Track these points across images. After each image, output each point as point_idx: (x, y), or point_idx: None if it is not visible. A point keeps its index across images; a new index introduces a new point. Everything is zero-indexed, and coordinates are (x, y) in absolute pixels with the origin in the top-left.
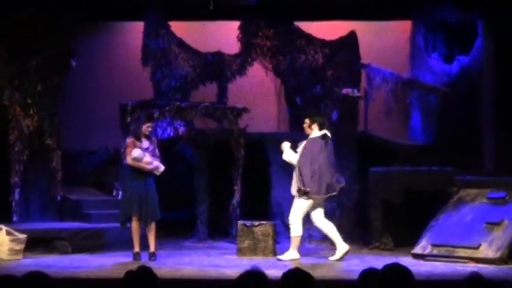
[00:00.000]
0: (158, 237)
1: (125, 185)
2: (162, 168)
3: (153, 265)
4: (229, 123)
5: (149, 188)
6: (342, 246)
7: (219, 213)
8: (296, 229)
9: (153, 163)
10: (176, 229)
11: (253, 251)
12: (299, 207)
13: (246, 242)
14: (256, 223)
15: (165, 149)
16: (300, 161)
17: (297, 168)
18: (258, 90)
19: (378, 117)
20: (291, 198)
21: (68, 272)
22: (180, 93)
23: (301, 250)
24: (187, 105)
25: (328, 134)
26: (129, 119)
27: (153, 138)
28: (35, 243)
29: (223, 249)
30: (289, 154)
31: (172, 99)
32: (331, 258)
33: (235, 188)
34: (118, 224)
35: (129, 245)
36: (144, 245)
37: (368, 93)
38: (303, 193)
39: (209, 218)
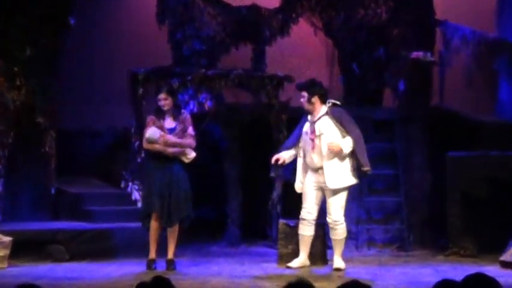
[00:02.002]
0: (179, 240)
1: (145, 175)
2: (192, 154)
3: (172, 276)
4: (268, 96)
5: (175, 179)
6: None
7: (255, 211)
8: (345, 228)
9: (183, 144)
10: (201, 230)
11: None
12: (342, 199)
13: (289, 246)
14: None
15: None
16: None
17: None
18: (304, 55)
19: (457, 87)
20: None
21: (64, 283)
22: (206, 59)
23: (360, 256)
24: (215, 73)
25: (338, 102)
26: (141, 91)
27: (184, 115)
28: (24, 248)
29: (260, 255)
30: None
31: (196, 65)
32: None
33: (273, 175)
34: (127, 224)
35: (142, 250)
36: (165, 250)
37: (444, 57)
38: (363, 175)
39: (243, 216)
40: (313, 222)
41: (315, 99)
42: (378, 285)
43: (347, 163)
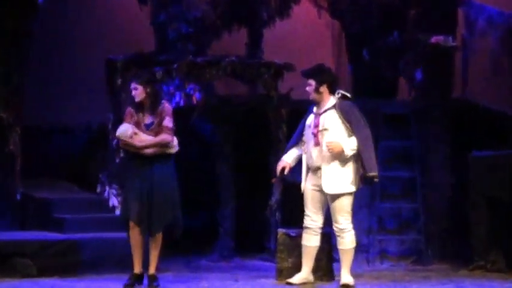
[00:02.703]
0: (163, 252)
1: (124, 178)
2: (175, 142)
3: None
4: (266, 87)
5: (157, 180)
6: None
7: (251, 218)
8: (354, 237)
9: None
10: (188, 241)
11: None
12: (346, 204)
13: (290, 259)
14: None
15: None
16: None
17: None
18: (307, 39)
19: (482, 76)
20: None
21: None
22: (194, 44)
23: (371, 271)
24: (205, 60)
25: (348, 94)
26: (119, 81)
27: (161, 106)
28: None
29: (256, 270)
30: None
31: (183, 52)
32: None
33: (273, 181)
34: (103, 234)
35: (120, 264)
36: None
37: (467, 42)
38: (369, 181)
39: (236, 224)
40: (319, 231)
41: (323, 89)
42: None
43: (349, 166)
